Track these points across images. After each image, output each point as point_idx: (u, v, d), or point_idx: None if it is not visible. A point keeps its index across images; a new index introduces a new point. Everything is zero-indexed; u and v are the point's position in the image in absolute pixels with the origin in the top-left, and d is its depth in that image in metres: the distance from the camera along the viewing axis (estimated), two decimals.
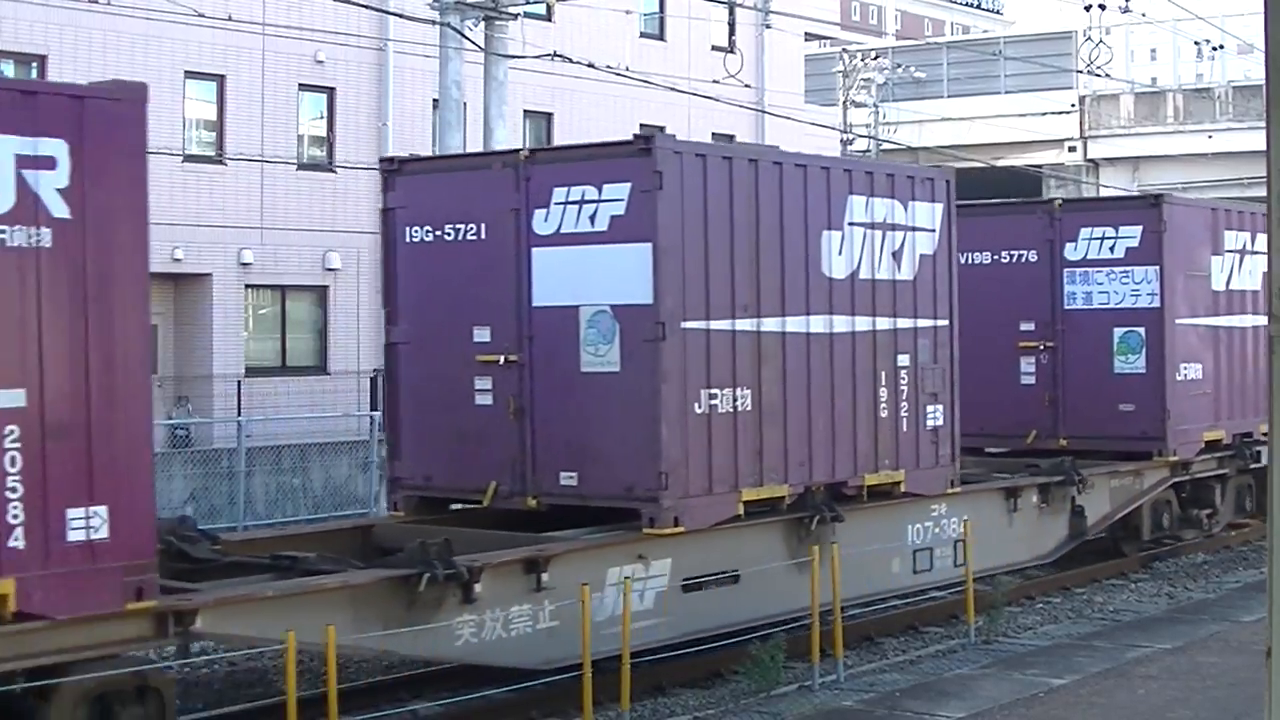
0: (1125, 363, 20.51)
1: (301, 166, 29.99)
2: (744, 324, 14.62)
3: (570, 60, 23.90)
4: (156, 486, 23.78)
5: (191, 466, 24.60)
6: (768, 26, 38.16)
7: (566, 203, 14.24)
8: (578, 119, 33.93)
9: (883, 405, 16.18)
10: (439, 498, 15.42)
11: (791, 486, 15.12)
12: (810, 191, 15.43)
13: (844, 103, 52.61)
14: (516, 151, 15.11)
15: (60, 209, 10.13)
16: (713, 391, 14.30)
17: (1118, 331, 20.57)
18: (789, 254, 15.14)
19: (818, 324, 15.43)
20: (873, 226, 16.07)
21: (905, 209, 16.51)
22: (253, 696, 13.89)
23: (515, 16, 23.50)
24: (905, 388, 16.43)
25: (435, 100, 25.28)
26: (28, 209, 9.98)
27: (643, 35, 36.28)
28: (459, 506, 15.41)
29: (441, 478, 15.07)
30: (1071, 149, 54.27)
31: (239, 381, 28.15)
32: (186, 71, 28.27)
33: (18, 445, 9.87)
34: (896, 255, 16.37)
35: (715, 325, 14.32)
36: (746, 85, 35.00)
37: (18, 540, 9.86)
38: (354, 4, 25.31)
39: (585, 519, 14.42)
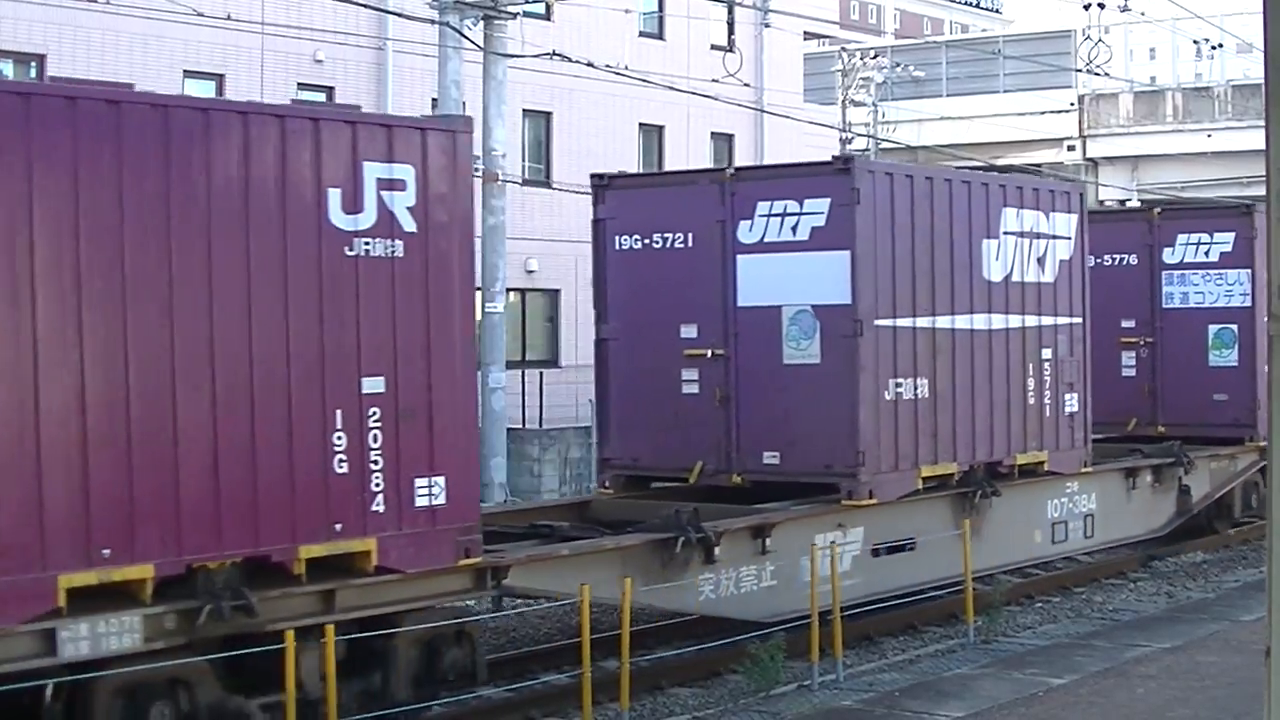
0: (1219, 357, 22.35)
1: None
2: (923, 321, 16.76)
3: (569, 59, 23.91)
4: None
5: None
6: (767, 26, 38.15)
7: (770, 215, 16.22)
8: (577, 118, 33.93)
9: (1030, 393, 18.38)
10: (644, 476, 17.26)
11: (959, 464, 17.33)
12: (973, 205, 17.52)
13: (843, 102, 52.59)
14: (723, 170, 17.45)
15: (409, 224, 12.01)
16: (898, 380, 16.42)
17: (1212, 329, 22.42)
18: (957, 259, 17.24)
19: (980, 321, 17.59)
20: (1022, 235, 18.24)
21: (1048, 219, 18.69)
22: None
23: (514, 16, 23.53)
24: (1048, 378, 18.63)
25: (434, 99, 25.29)
26: (385, 224, 11.87)
27: (642, 34, 36.26)
28: (659, 484, 17.24)
29: (648, 458, 17.00)
30: (1070, 148, 54.24)
31: None
32: (185, 71, 28.24)
33: (379, 424, 11.75)
34: (1041, 260, 18.55)
35: (900, 323, 16.45)
36: (746, 84, 34.99)
37: (379, 505, 11.75)
38: (353, 3, 25.31)
39: (776, 495, 16.38)
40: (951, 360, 17.08)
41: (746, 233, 16.32)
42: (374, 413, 11.71)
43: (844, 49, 54.99)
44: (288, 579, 11.34)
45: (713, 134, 36.38)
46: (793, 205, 16.07)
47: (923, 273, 16.72)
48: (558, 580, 13.68)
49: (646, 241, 16.80)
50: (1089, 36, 43.24)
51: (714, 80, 32.05)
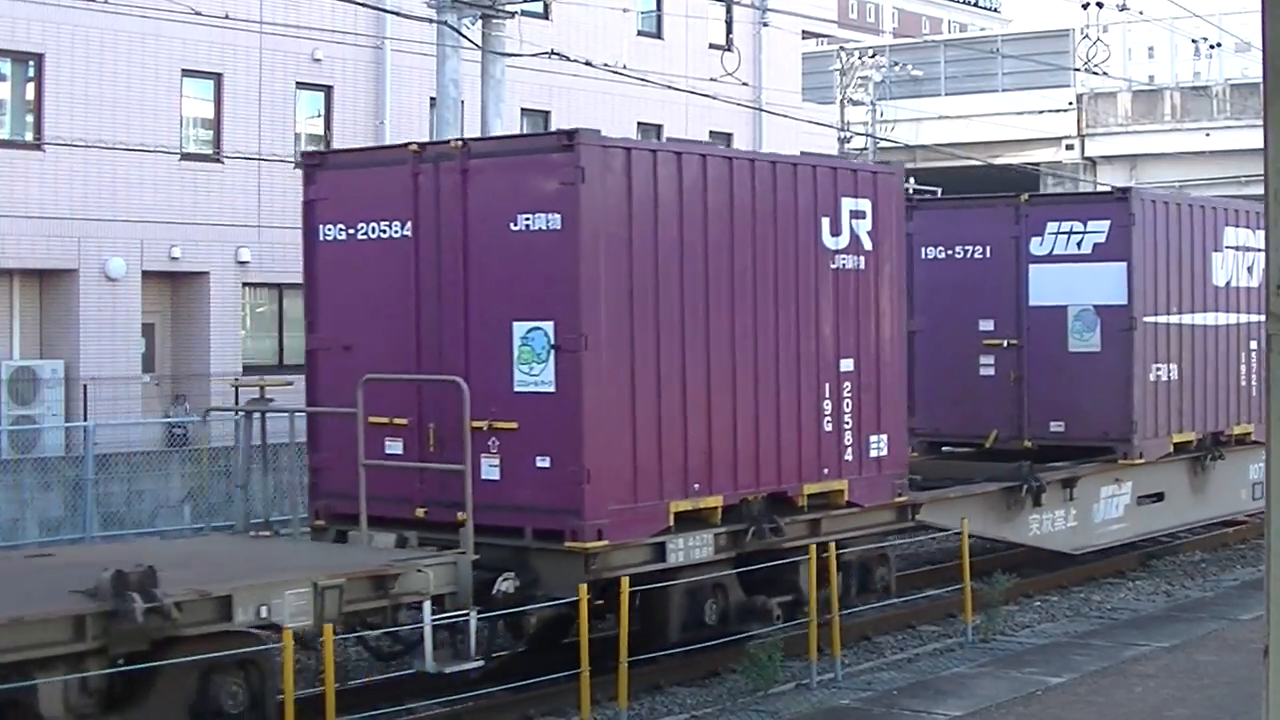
0: None
1: (299, 165, 29.87)
2: (1173, 319, 20.71)
3: (567, 58, 23.88)
4: (153, 485, 23.81)
5: (189, 465, 24.56)
6: (765, 25, 38.12)
7: (1058, 233, 20.27)
8: (575, 117, 33.86)
9: (1242, 377, 22.31)
10: (940, 442, 21.48)
11: (1196, 433, 21.37)
12: (1205, 224, 21.49)
13: (841, 101, 52.59)
14: (1018, 195, 21.20)
15: (867, 244, 15.94)
16: (1158, 365, 20.39)
17: None
18: (1195, 269, 21.23)
19: (1209, 319, 21.52)
20: (1237, 249, 22.23)
21: (1254, 235, 22.33)
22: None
23: (513, 15, 23.50)
24: (1254, 365, 22.35)
25: (433, 98, 25.27)
26: (854, 244, 15.81)
27: (640, 33, 36.23)
28: (948, 449, 21.49)
29: (948, 428, 21.01)
30: (1069, 147, 54.21)
31: (236, 379, 28.12)
32: (184, 70, 28.21)
33: (849, 395, 15.70)
34: (1249, 269, 22.37)
35: (1159, 319, 20.42)
36: (744, 83, 34.98)
37: (849, 455, 15.72)
38: (352, 2, 25.29)
39: (1053, 457, 20.23)
40: (1191, 349, 21.01)
41: (1037, 246, 20.33)
42: (847, 386, 15.69)
43: (842, 48, 54.96)
44: (792, 509, 15.17)
45: (711, 133, 36.34)
46: (1077, 225, 20.12)
47: (1174, 279, 20.68)
48: (946, 516, 17.93)
49: (950, 252, 20.64)
50: (1087, 35, 43.18)
51: (712, 79, 32.04)
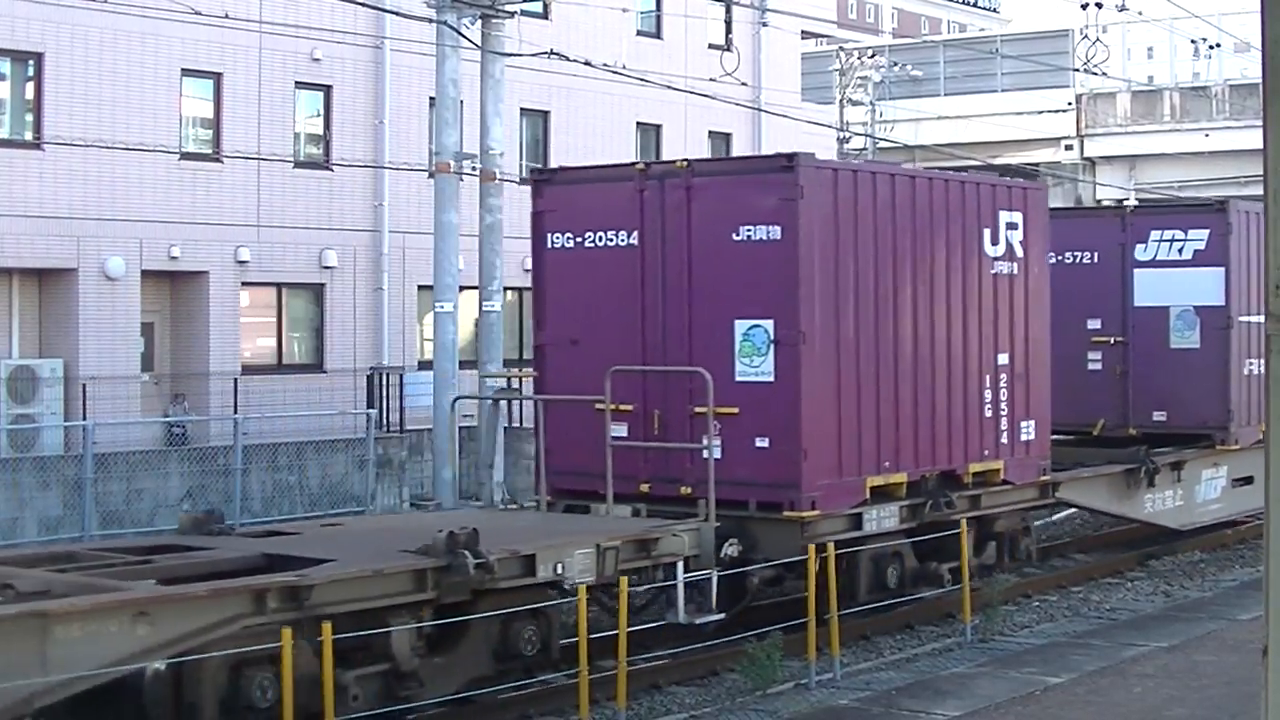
0: None
1: (298, 164, 29.91)
2: (1258, 319, 21.16)
3: (567, 58, 23.88)
4: (152, 484, 23.79)
5: (188, 464, 24.55)
6: (764, 25, 38.10)
7: (1160, 240, 22.25)
8: (575, 117, 33.91)
9: None
10: (1050, 431, 22.21)
11: None
12: None
13: (841, 101, 52.59)
14: (1123, 204, 23.47)
15: (1019, 252, 18.10)
16: (1250, 360, 22.04)
17: None
18: None
19: None
20: None
21: None
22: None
23: (512, 14, 23.49)
24: None
25: (432, 98, 25.28)
26: (1009, 252, 17.95)
27: (639, 33, 36.21)
28: (1055, 436, 21.93)
29: (1059, 417, 21.35)
30: (1068, 147, 54.20)
31: (235, 379, 28.12)
32: (183, 69, 28.18)
33: (1005, 385, 17.84)
34: None
35: (1250, 319, 21.96)
36: (743, 83, 34.95)
37: (1004, 439, 17.85)
38: (351, 1, 25.29)
39: (1152, 444, 21.95)
40: None
41: (1141, 253, 22.27)
42: (1003, 377, 17.75)
43: (842, 48, 54.95)
44: (959, 486, 17.25)
45: (710, 133, 36.37)
46: (1179, 234, 22.08)
47: (1261, 281, 20.77)
48: (1080, 494, 20.44)
49: (1060, 257, 21.85)
50: (1086, 36, 43.12)
51: (711, 79, 32.00)
